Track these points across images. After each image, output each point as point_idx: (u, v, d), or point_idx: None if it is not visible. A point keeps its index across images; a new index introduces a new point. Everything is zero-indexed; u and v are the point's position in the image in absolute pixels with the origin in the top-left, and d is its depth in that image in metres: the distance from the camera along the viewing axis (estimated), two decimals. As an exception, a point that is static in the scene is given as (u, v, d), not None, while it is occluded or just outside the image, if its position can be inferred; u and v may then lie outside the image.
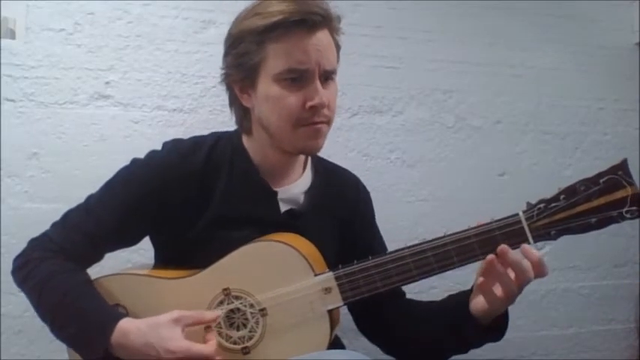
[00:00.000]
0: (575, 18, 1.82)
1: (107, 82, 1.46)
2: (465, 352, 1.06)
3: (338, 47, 1.05)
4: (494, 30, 1.75)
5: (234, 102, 1.09)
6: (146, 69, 1.48)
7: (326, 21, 1.00)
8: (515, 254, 0.93)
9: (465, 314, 1.00)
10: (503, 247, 0.93)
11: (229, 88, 1.08)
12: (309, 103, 0.98)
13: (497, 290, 0.95)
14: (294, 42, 0.97)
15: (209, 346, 0.93)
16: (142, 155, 1.10)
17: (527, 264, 0.93)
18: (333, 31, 1.03)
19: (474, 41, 1.73)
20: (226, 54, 1.05)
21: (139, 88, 1.48)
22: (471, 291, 1.02)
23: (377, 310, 1.14)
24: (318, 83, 0.99)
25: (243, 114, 1.08)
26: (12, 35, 1.41)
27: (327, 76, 1.01)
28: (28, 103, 1.41)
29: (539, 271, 0.93)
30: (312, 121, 1.00)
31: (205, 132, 1.15)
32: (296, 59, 0.97)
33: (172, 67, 1.50)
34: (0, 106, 1.39)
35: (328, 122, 1.03)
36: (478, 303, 0.98)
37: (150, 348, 0.90)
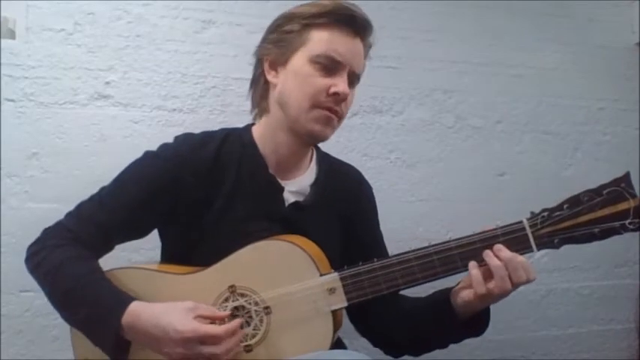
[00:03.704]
0: (575, 18, 1.82)
1: (107, 82, 1.46)
2: (445, 346, 1.10)
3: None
4: (494, 30, 1.75)
5: (257, 79, 1.13)
6: (146, 69, 1.48)
7: (367, 32, 1.09)
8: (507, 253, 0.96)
9: (447, 308, 1.04)
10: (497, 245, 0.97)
11: (258, 64, 1.13)
12: (333, 89, 1.04)
13: (491, 284, 0.97)
14: (338, 35, 1.05)
15: (218, 327, 0.94)
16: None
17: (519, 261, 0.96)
18: (367, 47, 1.11)
19: (474, 41, 1.73)
20: (271, 31, 1.11)
21: (138, 88, 1.48)
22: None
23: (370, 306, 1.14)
24: (346, 77, 1.06)
25: (263, 92, 1.12)
26: (12, 35, 1.41)
27: (352, 81, 1.08)
28: (28, 103, 1.41)
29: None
30: (328, 106, 1.05)
31: (205, 132, 1.16)
32: (336, 49, 1.04)
33: (172, 67, 1.50)
34: (0, 106, 1.40)
35: (340, 117, 1.08)
36: (463, 294, 1.01)
37: (159, 329, 0.92)
